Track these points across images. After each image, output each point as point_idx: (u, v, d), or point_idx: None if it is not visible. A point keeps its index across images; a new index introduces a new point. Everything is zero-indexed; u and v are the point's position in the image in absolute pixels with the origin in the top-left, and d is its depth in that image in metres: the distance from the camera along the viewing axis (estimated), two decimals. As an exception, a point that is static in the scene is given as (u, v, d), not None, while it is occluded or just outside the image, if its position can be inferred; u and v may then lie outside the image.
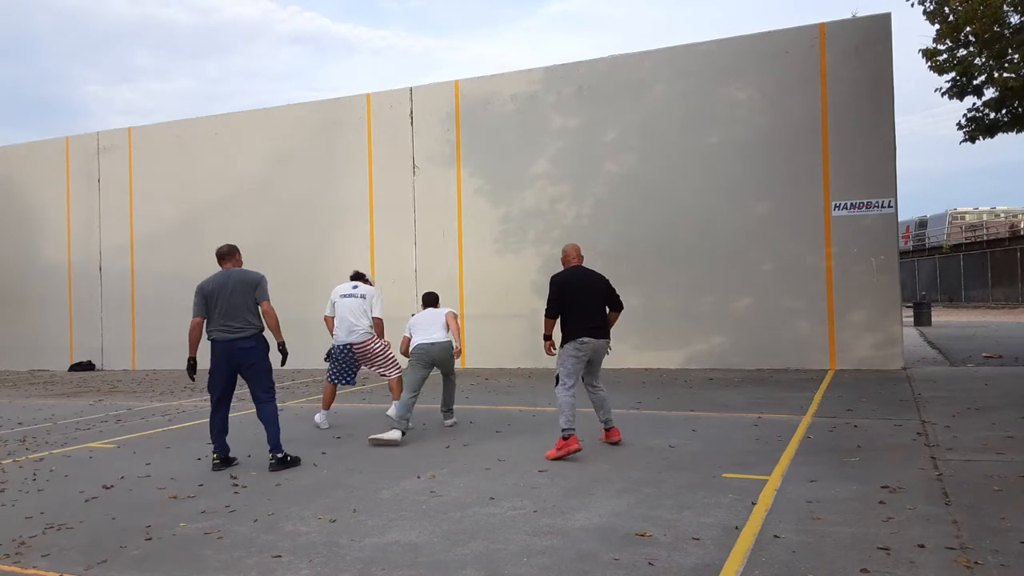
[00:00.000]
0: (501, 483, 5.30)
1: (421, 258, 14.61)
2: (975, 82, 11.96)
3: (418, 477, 5.55)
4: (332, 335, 7.99)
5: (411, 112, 14.72)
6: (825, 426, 7.06)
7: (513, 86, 14.03)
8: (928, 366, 11.96)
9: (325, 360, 8.21)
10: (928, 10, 11.50)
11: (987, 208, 59.59)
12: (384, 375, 8.02)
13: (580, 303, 6.44)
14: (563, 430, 6.11)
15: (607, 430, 6.67)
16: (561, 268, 6.72)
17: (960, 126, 12.87)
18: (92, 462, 6.57)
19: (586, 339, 6.37)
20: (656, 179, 13.05)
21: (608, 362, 12.96)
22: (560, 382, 6.32)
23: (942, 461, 5.51)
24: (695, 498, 4.76)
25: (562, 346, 6.43)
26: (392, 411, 7.72)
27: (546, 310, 6.50)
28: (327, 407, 8.08)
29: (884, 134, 11.77)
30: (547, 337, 6.57)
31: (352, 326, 7.81)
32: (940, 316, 26.61)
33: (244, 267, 6.42)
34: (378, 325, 7.96)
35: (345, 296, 7.94)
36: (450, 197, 14.37)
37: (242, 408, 9.73)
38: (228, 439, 6.32)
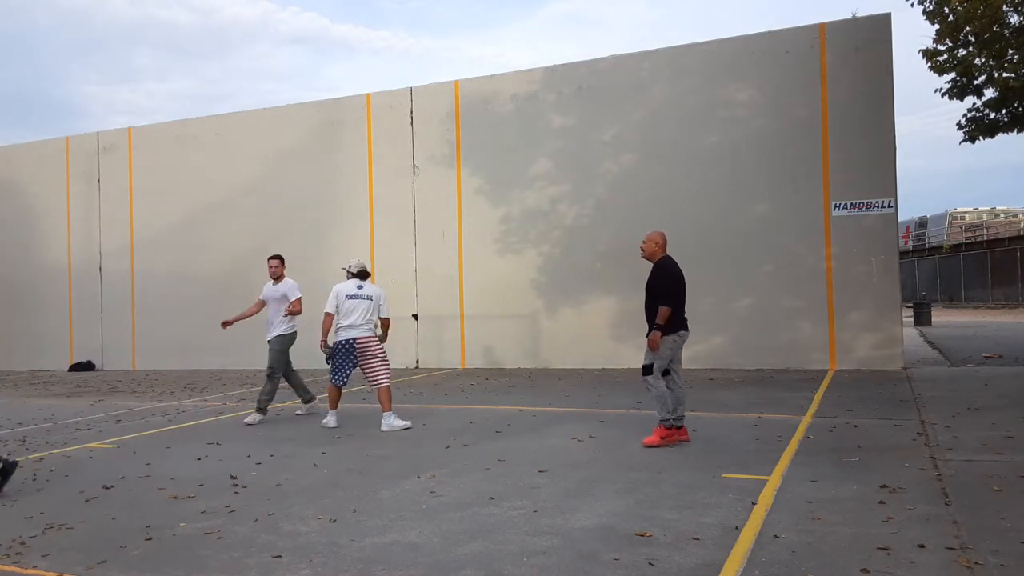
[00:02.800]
0: (501, 483, 5.30)
1: (421, 258, 14.61)
2: (975, 82, 11.97)
3: (418, 477, 5.55)
4: (326, 334, 7.93)
5: (411, 112, 14.72)
6: (825, 426, 7.06)
7: (513, 86, 14.03)
8: (928, 366, 11.96)
9: (328, 362, 8.11)
10: (928, 10, 11.51)
11: (987, 208, 59.60)
12: (375, 381, 7.90)
13: (683, 294, 6.40)
14: (666, 420, 6.27)
15: (677, 428, 6.51)
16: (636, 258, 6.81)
17: (960, 126, 12.88)
18: (92, 462, 6.57)
19: (684, 331, 6.41)
20: (656, 179, 13.05)
21: (609, 362, 13.10)
22: (654, 372, 6.32)
23: (942, 461, 5.51)
24: (695, 498, 4.76)
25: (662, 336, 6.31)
26: (385, 426, 7.71)
27: (668, 300, 6.29)
28: (335, 407, 8.08)
29: (884, 134, 11.76)
30: (662, 328, 6.28)
31: (358, 322, 7.88)
32: (940, 316, 26.61)
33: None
34: (387, 324, 8.21)
35: (352, 297, 7.92)
36: (450, 197, 14.38)
37: (242, 408, 9.73)
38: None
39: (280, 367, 8.58)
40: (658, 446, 6.24)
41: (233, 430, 8.02)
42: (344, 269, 8.23)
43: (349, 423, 8.19)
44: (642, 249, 6.62)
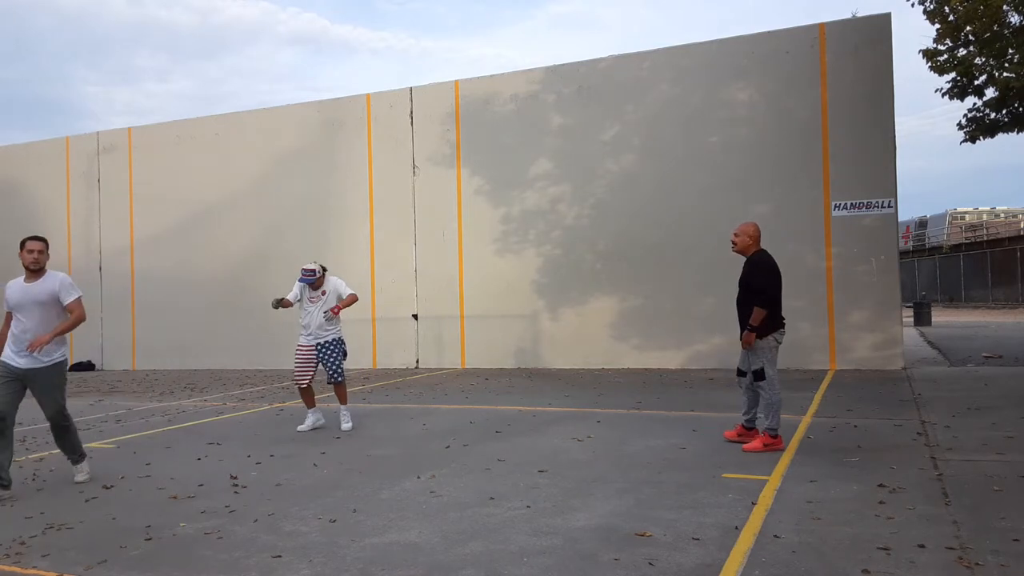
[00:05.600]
0: (501, 483, 5.30)
1: (421, 258, 14.61)
2: (976, 82, 11.98)
3: (418, 477, 5.55)
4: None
5: (411, 112, 14.72)
6: (825, 426, 7.05)
7: (513, 86, 14.03)
8: (928, 366, 11.96)
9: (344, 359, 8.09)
10: (928, 10, 11.52)
11: (987, 208, 59.55)
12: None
13: (780, 290, 6.12)
14: (773, 429, 6.02)
15: (748, 429, 6.28)
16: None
17: (961, 126, 12.89)
18: (92, 462, 6.56)
19: (783, 329, 6.15)
20: (656, 179, 13.05)
21: (609, 362, 13.10)
22: (767, 377, 6.01)
23: (942, 461, 5.51)
24: (695, 498, 4.76)
25: (760, 337, 6.04)
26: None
27: (766, 299, 5.97)
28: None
29: (884, 134, 11.76)
30: (756, 330, 6.00)
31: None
32: (940, 316, 26.60)
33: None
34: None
35: None
36: (450, 197, 14.38)
37: (242, 408, 9.73)
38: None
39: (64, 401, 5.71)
40: (759, 452, 5.97)
41: (233, 430, 8.02)
42: (317, 270, 7.89)
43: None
44: (733, 243, 6.27)
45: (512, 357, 13.87)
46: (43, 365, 5.51)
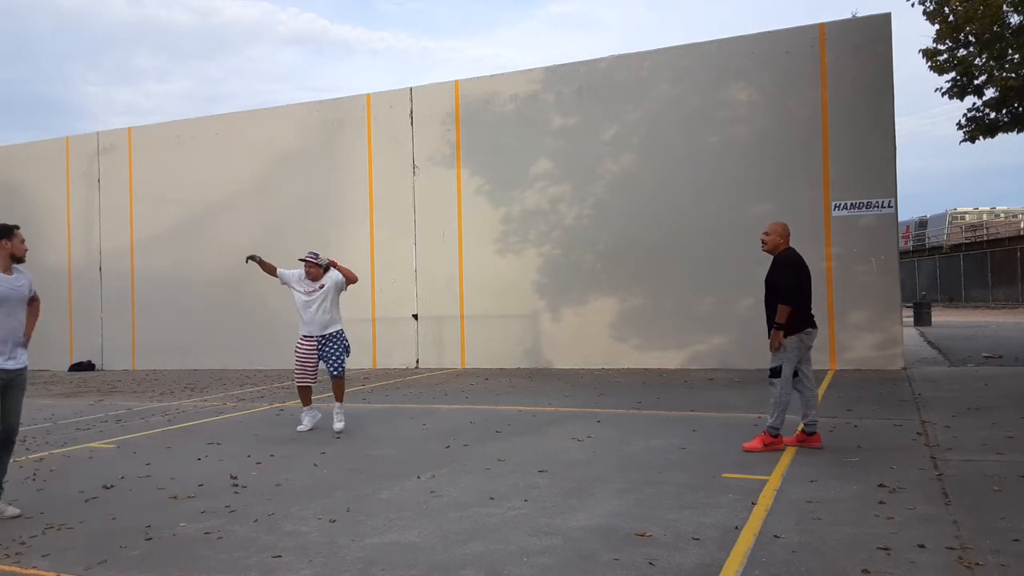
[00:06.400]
0: (501, 483, 5.30)
1: (421, 258, 14.61)
2: (975, 82, 11.99)
3: (418, 477, 5.55)
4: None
5: (411, 112, 14.72)
6: (825, 426, 7.04)
7: (513, 86, 14.03)
8: (928, 366, 11.96)
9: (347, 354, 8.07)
10: (928, 10, 11.53)
11: (987, 208, 59.50)
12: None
13: (807, 289, 6.02)
14: (775, 428, 5.94)
15: (809, 434, 6.07)
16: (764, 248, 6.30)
17: (960, 126, 12.90)
18: (92, 462, 6.57)
19: (811, 329, 6.01)
20: (657, 179, 13.05)
21: (609, 362, 13.10)
22: (782, 375, 5.94)
23: (942, 461, 5.51)
24: (695, 498, 4.76)
25: (785, 335, 5.95)
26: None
27: (788, 297, 5.87)
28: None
29: (884, 134, 11.76)
30: (783, 328, 5.88)
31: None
32: (940, 316, 26.59)
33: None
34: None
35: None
36: (450, 197, 14.38)
37: (242, 408, 9.73)
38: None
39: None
40: (758, 451, 5.92)
41: (233, 430, 8.02)
42: (312, 259, 7.82)
43: (348, 423, 8.18)
44: (763, 241, 6.22)
45: (512, 357, 13.87)
46: (21, 367, 4.99)
